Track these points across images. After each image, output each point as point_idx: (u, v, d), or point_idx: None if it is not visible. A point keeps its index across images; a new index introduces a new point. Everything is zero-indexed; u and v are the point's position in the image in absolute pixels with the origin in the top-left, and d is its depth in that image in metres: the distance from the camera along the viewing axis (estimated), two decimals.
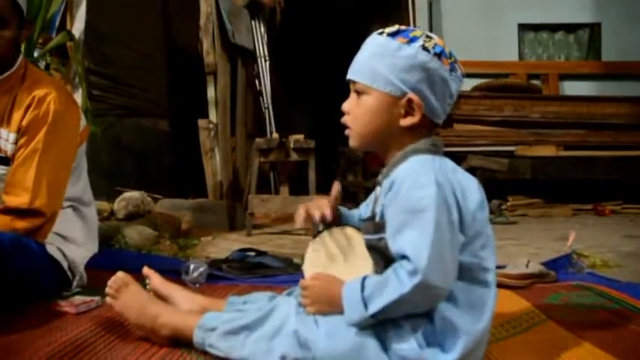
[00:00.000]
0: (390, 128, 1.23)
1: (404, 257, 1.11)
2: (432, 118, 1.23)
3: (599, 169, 5.37)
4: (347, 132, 1.29)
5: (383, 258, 1.20)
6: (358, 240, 1.26)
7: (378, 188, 1.29)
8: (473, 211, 1.17)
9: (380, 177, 1.30)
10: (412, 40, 1.21)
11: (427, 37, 1.22)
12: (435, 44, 1.21)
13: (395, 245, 1.14)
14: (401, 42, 1.21)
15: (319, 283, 1.24)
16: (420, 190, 1.12)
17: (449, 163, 1.21)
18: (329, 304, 1.21)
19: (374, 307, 1.13)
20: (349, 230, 1.29)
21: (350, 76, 1.27)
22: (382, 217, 1.20)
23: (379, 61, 1.21)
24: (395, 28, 1.25)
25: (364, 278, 1.17)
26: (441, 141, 1.25)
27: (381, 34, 1.25)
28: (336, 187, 1.36)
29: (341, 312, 1.18)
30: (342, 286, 1.19)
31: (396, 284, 1.11)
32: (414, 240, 1.10)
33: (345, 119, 1.28)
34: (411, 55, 1.19)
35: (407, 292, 1.09)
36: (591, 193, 5.37)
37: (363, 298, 1.14)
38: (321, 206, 1.30)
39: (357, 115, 1.25)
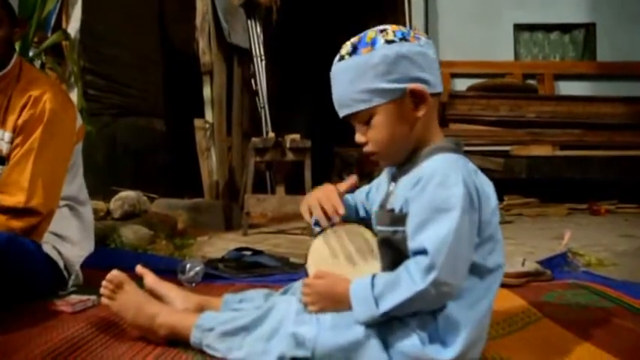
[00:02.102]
0: (411, 128, 1.22)
1: (421, 252, 1.11)
2: (433, 92, 1.22)
3: (595, 168, 5.39)
4: (374, 158, 1.26)
5: (394, 251, 1.20)
6: (369, 238, 1.26)
7: (392, 184, 1.28)
8: (489, 217, 1.18)
9: (395, 170, 1.29)
10: (373, 43, 1.19)
11: (381, 31, 1.21)
12: (394, 32, 1.20)
13: (415, 240, 1.13)
14: (366, 52, 1.19)
15: (323, 282, 1.23)
16: (449, 189, 1.12)
17: (471, 165, 1.21)
18: (334, 303, 1.20)
19: (385, 305, 1.13)
20: (359, 228, 1.28)
21: (344, 112, 1.23)
22: (401, 210, 1.19)
23: (362, 82, 1.18)
24: (349, 46, 1.22)
25: (374, 276, 1.16)
26: (461, 140, 1.26)
27: (341, 59, 1.22)
28: (352, 179, 1.35)
29: (345, 311, 1.18)
30: (347, 284, 1.19)
31: (410, 282, 1.11)
32: (435, 237, 1.10)
33: (367, 149, 1.25)
34: (383, 55, 1.17)
35: (422, 289, 1.09)
36: (587, 192, 5.38)
37: (373, 296, 1.14)
38: (331, 198, 1.28)
39: (377, 138, 1.22)
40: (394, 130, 1.21)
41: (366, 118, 1.22)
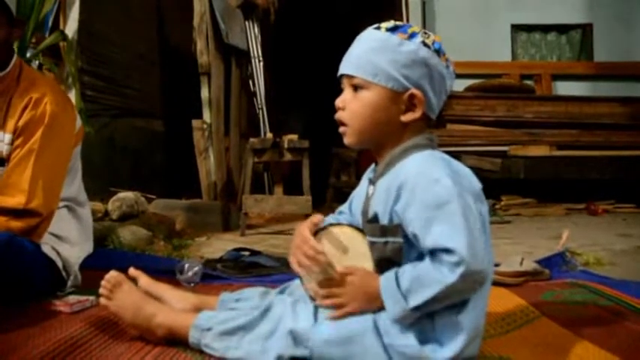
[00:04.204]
0: (389, 124, 1.22)
1: (441, 251, 1.09)
2: (428, 113, 1.23)
3: (592, 168, 5.40)
4: (342, 129, 1.26)
5: (387, 261, 1.19)
6: (358, 238, 1.25)
7: (371, 187, 1.27)
8: (479, 201, 1.17)
9: (372, 175, 1.29)
10: (412, 35, 1.21)
11: (425, 33, 1.23)
12: (434, 40, 1.22)
13: (427, 241, 1.11)
14: (401, 37, 1.20)
15: (357, 279, 1.21)
16: (437, 184, 1.12)
17: (445, 156, 1.21)
18: (367, 301, 1.19)
19: (415, 300, 1.11)
20: (351, 230, 1.27)
21: (346, 70, 1.24)
22: (391, 220, 1.18)
23: (380, 56, 1.20)
24: (391, 23, 1.24)
25: (397, 271, 1.15)
26: (434, 135, 1.25)
27: (378, 28, 1.24)
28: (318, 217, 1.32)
29: (377, 307, 1.17)
30: (377, 280, 1.17)
31: (439, 277, 1.09)
32: (448, 232, 1.09)
33: (340, 115, 1.26)
34: (412, 50, 1.19)
35: (453, 282, 1.08)
36: (584, 192, 5.40)
37: (401, 292, 1.13)
38: (306, 240, 1.26)
39: (355, 111, 1.23)
40: (374, 115, 1.22)
41: (359, 86, 1.22)
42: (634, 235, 3.75)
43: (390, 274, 1.16)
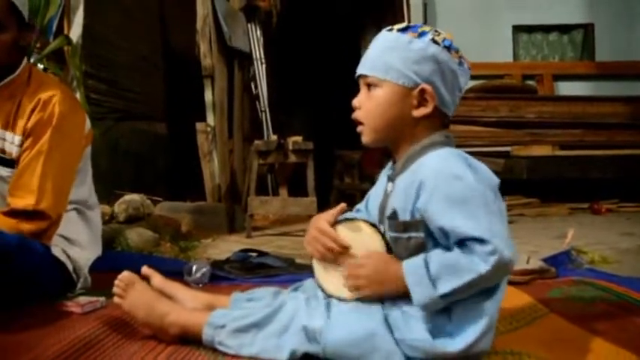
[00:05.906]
0: (403, 120, 1.26)
1: (474, 240, 1.11)
2: (442, 109, 1.26)
3: (595, 168, 5.40)
4: (359, 128, 1.30)
5: (411, 256, 1.20)
6: (373, 234, 1.27)
7: (390, 184, 1.29)
8: (497, 198, 1.19)
9: (390, 172, 1.31)
10: (422, 34, 1.25)
11: (435, 31, 1.26)
12: (444, 38, 1.25)
13: (456, 233, 1.13)
14: (411, 36, 1.25)
15: (373, 263, 1.24)
16: (459, 180, 1.15)
17: (463, 153, 1.23)
18: (385, 284, 1.21)
19: (445, 287, 1.13)
20: (362, 224, 1.29)
21: (361, 71, 1.29)
22: (413, 216, 1.20)
23: (391, 55, 1.25)
24: (404, 24, 1.28)
25: (426, 257, 1.16)
26: (451, 133, 1.28)
27: (390, 30, 1.28)
28: (342, 206, 1.35)
29: (393, 293, 1.19)
30: (398, 265, 1.20)
31: (471, 266, 1.11)
32: (477, 223, 1.11)
33: (356, 114, 1.30)
34: (422, 47, 1.23)
35: (486, 271, 1.10)
36: (587, 192, 5.40)
37: (430, 277, 1.14)
38: (325, 233, 1.30)
39: (370, 109, 1.27)
40: (387, 111, 1.25)
41: (372, 85, 1.27)
42: (637, 233, 3.75)
43: (417, 260, 1.17)
